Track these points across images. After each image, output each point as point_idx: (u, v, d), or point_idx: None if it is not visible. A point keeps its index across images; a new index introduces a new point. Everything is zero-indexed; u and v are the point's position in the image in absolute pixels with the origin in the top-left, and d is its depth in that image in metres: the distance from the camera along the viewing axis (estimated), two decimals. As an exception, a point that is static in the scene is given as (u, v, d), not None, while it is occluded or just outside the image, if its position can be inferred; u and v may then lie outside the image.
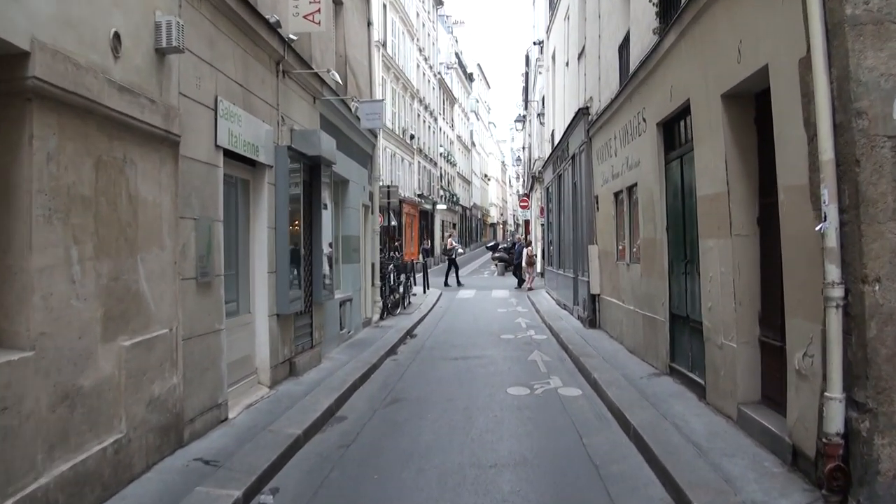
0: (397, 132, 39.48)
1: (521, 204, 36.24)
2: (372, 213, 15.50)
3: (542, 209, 30.08)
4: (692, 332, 7.91)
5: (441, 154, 55.88)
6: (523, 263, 27.89)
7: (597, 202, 13.39)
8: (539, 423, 7.38)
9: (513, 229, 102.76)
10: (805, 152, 4.86)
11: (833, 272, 4.50)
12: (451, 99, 61.61)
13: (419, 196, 46.01)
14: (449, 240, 31.70)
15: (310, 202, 10.45)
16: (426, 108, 49.36)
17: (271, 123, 8.77)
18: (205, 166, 6.86)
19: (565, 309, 17.17)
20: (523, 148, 59.58)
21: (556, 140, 19.58)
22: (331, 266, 11.06)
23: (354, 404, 8.43)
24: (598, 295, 13.42)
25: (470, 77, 74.89)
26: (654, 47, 8.42)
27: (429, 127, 51.03)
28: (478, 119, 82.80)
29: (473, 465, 5.96)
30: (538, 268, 31.23)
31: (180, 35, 6.00)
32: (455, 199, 61.82)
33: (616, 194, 11.74)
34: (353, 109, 12.32)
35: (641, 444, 6.25)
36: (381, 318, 16.09)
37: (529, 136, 43.72)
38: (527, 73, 45.13)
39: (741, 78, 5.98)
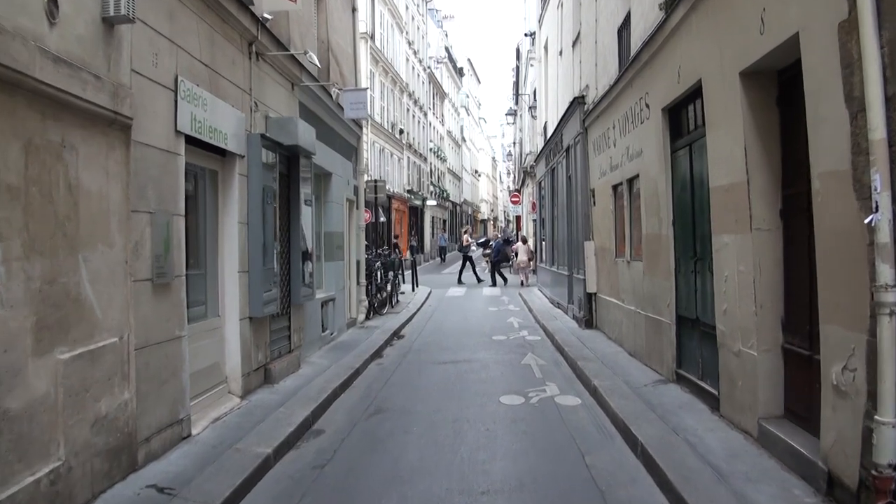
0: (386, 127, 38.72)
1: (513, 199, 35.57)
2: (357, 208, 14.78)
3: (533, 204, 29.43)
4: (703, 336, 7.23)
5: (431, 149, 55.12)
6: (517, 260, 27.17)
7: (593, 196, 12.71)
8: (536, 439, 6.68)
9: (503, 225, 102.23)
10: (846, 132, 4.18)
11: (886, 273, 3.82)
12: (440, 94, 60.84)
13: (409, 192, 45.26)
14: (465, 236, 31.01)
15: (287, 196, 9.74)
16: (415, 102, 48.60)
17: (243, 109, 8.04)
18: (163, 154, 6.13)
19: (559, 308, 16.50)
20: (514, 143, 58.98)
21: (549, 133, 18.91)
22: (311, 264, 10.34)
23: (333, 416, 7.73)
24: (595, 294, 12.75)
25: (460, 72, 74.13)
26: (659, 25, 7.73)
27: (418, 122, 50.27)
28: (468, 114, 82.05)
29: (463, 492, 5.25)
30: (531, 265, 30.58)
31: (131, 3, 5.27)
32: (445, 194, 61.10)
33: (615, 187, 11.06)
34: (334, 96, 11.56)
35: (651, 465, 5.56)
36: (368, 317, 15.39)
37: (520, 130, 43.07)
38: (517, 67, 44.47)
39: (764, 52, 5.29)
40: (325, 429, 7.21)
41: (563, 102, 15.65)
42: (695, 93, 7.11)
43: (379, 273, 17.30)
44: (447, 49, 65.74)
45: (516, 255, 28.92)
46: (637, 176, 9.50)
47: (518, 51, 43.06)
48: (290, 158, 9.72)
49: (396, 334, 13.91)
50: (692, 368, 7.61)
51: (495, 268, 26.13)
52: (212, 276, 7.75)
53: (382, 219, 36.90)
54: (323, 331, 11.72)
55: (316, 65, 10.86)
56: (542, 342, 12.58)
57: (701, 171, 7.10)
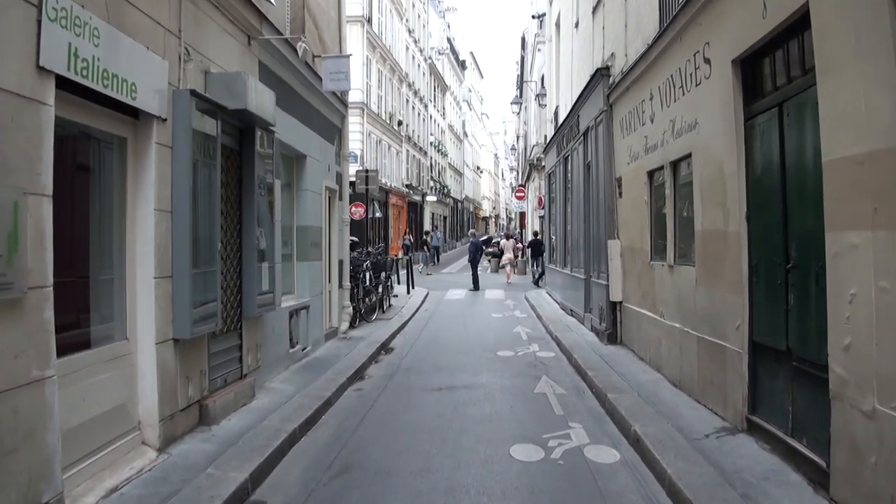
0: (384, 117, 36.62)
1: (517, 194, 33.38)
2: (340, 198, 12.67)
3: (540, 199, 27.34)
4: (799, 376, 5.13)
5: (431, 143, 53.03)
6: (503, 257, 25.53)
7: (619, 186, 10.60)
8: (566, 529, 4.59)
9: (505, 223, 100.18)
10: None
11: None
12: (442, 86, 58.72)
13: (407, 186, 43.17)
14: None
15: (238, 179, 7.65)
16: (416, 93, 46.49)
17: (166, 56, 5.94)
18: (12, 100, 4.04)
19: (573, 316, 14.39)
20: (518, 136, 56.88)
21: (562, 118, 16.79)
22: (273, 265, 8.25)
23: (284, 476, 5.64)
24: (621, 303, 10.65)
25: (462, 64, 71.99)
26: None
27: (418, 114, 48.17)
28: (470, 109, 79.89)
29: None
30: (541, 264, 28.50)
31: None
32: (446, 190, 58.99)
33: (652, 173, 8.95)
34: (300, 52, 9.40)
35: None
36: (353, 325, 13.29)
37: (525, 123, 41.00)
38: (522, 58, 42.40)
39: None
40: (269, 500, 5.13)
41: (581, 80, 13.53)
42: (791, 28, 5.02)
43: (368, 274, 15.21)
44: (449, 40, 63.60)
45: (502, 252, 27.41)
46: (687, 156, 7.39)
47: (523, 39, 41.01)
48: (242, 132, 7.63)
49: (384, 347, 11.81)
50: (776, 417, 5.51)
51: (475, 266, 24.10)
52: (115, 284, 5.66)
53: (378, 214, 34.78)
54: (292, 346, 9.63)
55: (284, 16, 8.69)
56: (556, 361, 10.47)
57: (801, 141, 5.00)
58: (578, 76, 14.30)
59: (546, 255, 22.66)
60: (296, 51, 9.16)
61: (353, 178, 19.00)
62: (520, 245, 30.67)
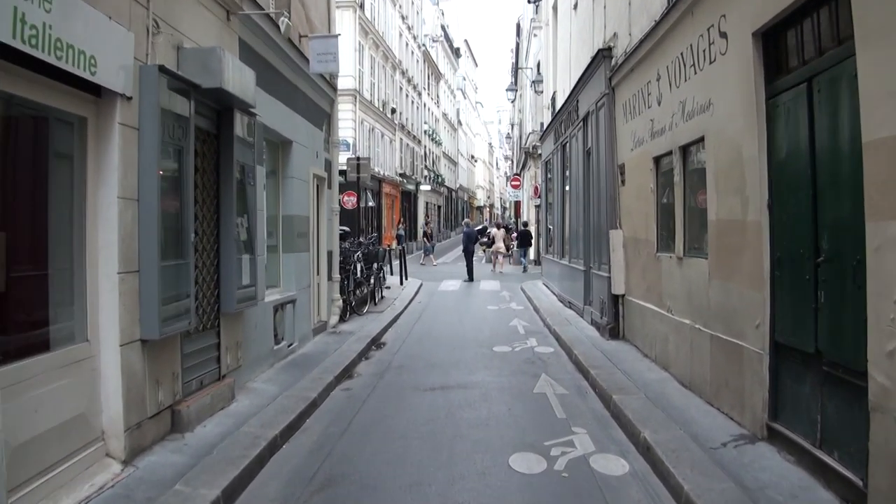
0: (377, 105, 35.96)
1: (513, 183, 32.84)
2: (329, 186, 12.12)
3: (536, 188, 26.86)
4: (830, 383, 4.62)
5: (426, 132, 52.37)
6: (493, 247, 25.09)
7: (622, 173, 10.07)
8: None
9: (500, 212, 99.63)
10: None
11: None
12: (436, 74, 57.99)
13: (401, 175, 42.55)
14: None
15: (216, 165, 7.09)
16: (409, 81, 45.79)
17: (132, 27, 5.38)
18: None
19: (572, 308, 13.89)
20: (513, 124, 56.24)
21: (560, 103, 16.24)
22: (254, 257, 7.72)
23: (260, 491, 5.13)
24: (623, 296, 10.14)
25: (457, 52, 71.21)
26: None
27: (412, 102, 47.49)
28: (465, 97, 79.17)
29: None
30: (532, 254, 28.04)
31: None
32: (440, 179, 58.39)
33: (658, 159, 8.43)
34: (281, 27, 8.81)
35: None
36: (343, 319, 12.77)
37: (520, 111, 40.41)
38: (518, 45, 41.77)
39: None
40: (242, 519, 4.63)
41: (580, 63, 12.98)
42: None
43: (359, 266, 14.68)
44: (443, 27, 62.80)
45: (492, 241, 27.50)
46: (700, 140, 6.87)
47: (518, 26, 40.36)
48: (220, 114, 7.07)
49: (375, 342, 11.30)
50: (801, 426, 5.01)
51: (469, 257, 23.51)
52: (75, 280, 5.12)
53: (371, 203, 34.28)
54: (277, 342, 9.10)
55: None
56: (556, 357, 9.96)
57: (835, 119, 4.49)
58: (577, 60, 13.75)
59: (543, 244, 22.14)
60: (278, 27, 8.58)
61: (345, 167, 18.45)
62: (514, 234, 30.28)
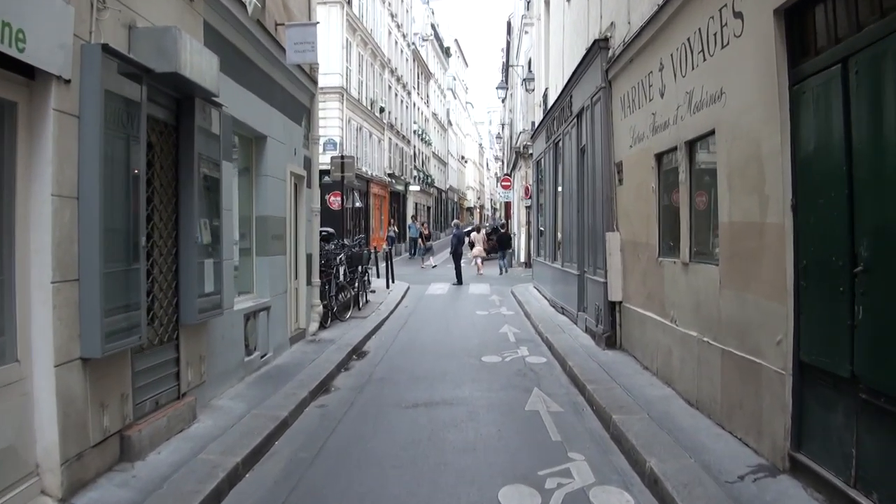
0: (364, 103, 35.28)
1: (503, 184, 32.18)
2: (309, 185, 11.43)
3: (526, 189, 26.25)
4: (870, 413, 3.97)
5: (415, 131, 51.72)
6: (475, 250, 24.49)
7: (619, 171, 9.44)
8: None
9: (490, 213, 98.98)
10: None
11: None
12: (426, 73, 57.34)
13: (390, 175, 41.87)
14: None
15: (175, 159, 6.40)
16: (398, 80, 45.12)
17: (73, 0, 4.70)
18: None
19: (565, 314, 13.24)
20: (503, 125, 55.63)
21: (552, 100, 15.60)
22: (220, 261, 7.03)
23: (211, 535, 4.45)
24: (620, 303, 9.50)
25: (447, 52, 70.59)
26: None
27: (401, 101, 46.82)
28: (455, 97, 78.55)
29: None
30: (522, 256, 27.45)
31: None
32: (430, 180, 57.75)
33: (660, 156, 7.80)
34: (256, 18, 8.14)
35: None
36: (324, 326, 12.09)
37: (511, 111, 39.85)
38: (508, 43, 41.22)
39: None
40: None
41: (574, 57, 12.34)
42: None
43: (342, 269, 14.01)
44: (433, 27, 62.18)
45: (472, 245, 27.43)
46: (710, 133, 6.23)
47: (509, 24, 39.78)
48: (180, 103, 6.39)
49: (357, 351, 10.63)
50: (831, 460, 4.36)
51: (457, 259, 22.92)
52: (2, 289, 4.43)
53: (358, 204, 33.59)
54: (248, 353, 8.42)
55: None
56: (549, 368, 9.31)
57: (877, 105, 3.86)
58: (571, 53, 13.12)
59: (534, 247, 21.50)
60: (245, 6, 7.88)
61: (329, 166, 17.76)
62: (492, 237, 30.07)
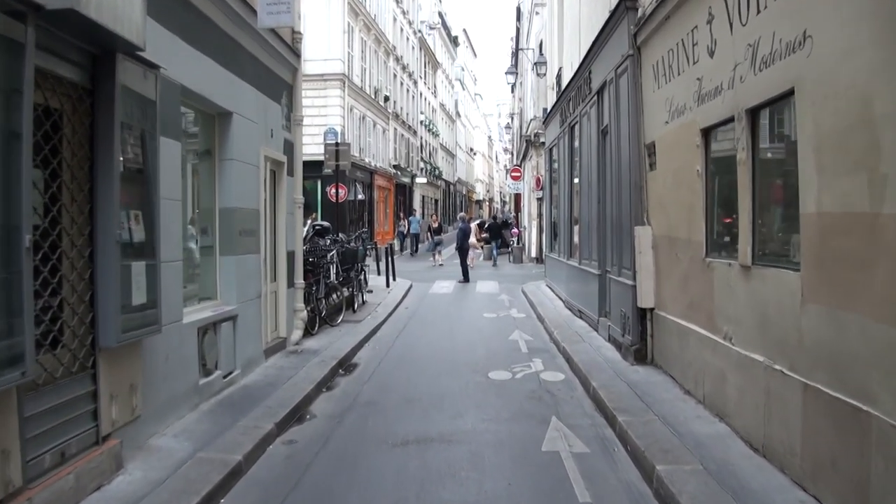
0: (367, 91, 33.78)
1: (513, 174, 30.64)
2: (291, 173, 9.97)
3: (538, 179, 24.73)
4: None
5: (422, 122, 50.18)
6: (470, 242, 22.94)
7: (651, 154, 7.95)
8: None
9: (499, 206, 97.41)
10: None
11: None
12: (433, 62, 55.74)
13: (395, 167, 40.39)
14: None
15: (90, 136, 4.96)
16: (404, 68, 43.60)
17: None
18: None
19: (583, 318, 11.76)
20: (512, 116, 54.04)
21: (566, 80, 14.09)
22: (156, 263, 5.58)
23: None
24: (653, 310, 8.02)
25: (455, 41, 68.92)
26: None
27: (407, 90, 45.29)
28: (463, 88, 76.85)
29: None
30: (533, 251, 25.97)
31: None
32: (437, 172, 56.23)
33: (708, 131, 6.30)
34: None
35: None
36: (310, 332, 10.66)
37: (520, 99, 38.32)
38: (518, 30, 39.63)
39: None
40: None
41: (593, 27, 10.83)
42: None
43: (333, 268, 12.56)
44: (441, 15, 60.53)
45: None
46: (785, 95, 4.72)
47: (518, 10, 38.22)
48: (98, 60, 4.94)
49: (344, 364, 9.18)
50: None
51: (463, 254, 21.49)
52: None
53: (361, 196, 32.17)
54: (206, 374, 6.98)
55: None
56: (568, 389, 7.83)
57: None
58: (589, 23, 11.59)
59: (546, 241, 19.99)
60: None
61: (324, 154, 16.32)
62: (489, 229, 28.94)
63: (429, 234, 30.75)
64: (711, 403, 6.16)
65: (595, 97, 10.61)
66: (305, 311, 10.33)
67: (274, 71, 9.28)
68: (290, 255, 9.92)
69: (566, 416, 6.65)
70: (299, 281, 10.15)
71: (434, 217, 32.56)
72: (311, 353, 9.36)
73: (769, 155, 5.32)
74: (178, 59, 6.22)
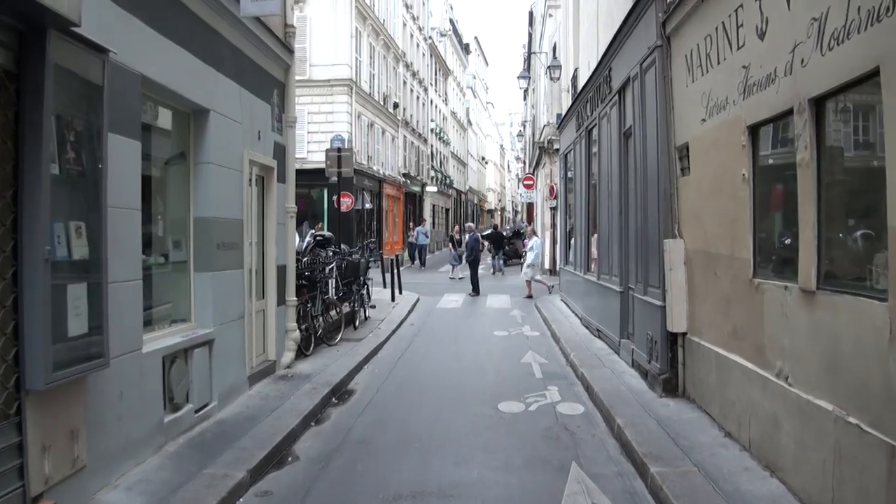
0: (376, 97, 32.96)
1: (525, 182, 29.64)
2: (282, 180, 9.09)
3: (551, 188, 23.77)
4: None
5: (432, 130, 49.31)
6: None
7: (684, 157, 7.02)
8: None
9: (511, 216, 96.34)
10: None
11: None
12: (444, 70, 54.92)
13: (405, 175, 39.53)
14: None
15: (14, 130, 4.10)
16: (414, 75, 42.78)
17: None
18: None
19: (601, 339, 10.80)
20: (524, 124, 53.14)
21: (584, 80, 13.17)
22: (102, 282, 4.69)
23: None
24: (685, 335, 7.07)
25: (466, 48, 68.14)
26: None
27: (417, 97, 44.46)
28: (475, 97, 75.98)
29: None
30: (546, 263, 24.97)
31: None
32: (448, 181, 55.32)
33: (757, 128, 5.36)
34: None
35: None
36: (304, 353, 9.77)
37: (533, 106, 37.37)
38: (530, 36, 38.75)
39: None
40: None
41: (613, 21, 9.91)
42: None
43: (332, 282, 11.67)
44: (452, 22, 59.74)
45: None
46: (865, 78, 3.77)
47: (531, 14, 37.30)
48: (23, 38, 4.08)
49: (338, 392, 8.27)
50: None
51: (475, 267, 20.17)
52: None
53: (369, 205, 31.34)
54: (174, 409, 6.09)
55: None
56: (589, 425, 6.86)
57: None
58: (608, 18, 10.68)
59: (560, 254, 19.02)
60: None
61: (325, 161, 15.45)
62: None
63: (451, 245, 29.25)
64: (760, 452, 5.19)
65: (616, 97, 9.68)
66: (298, 331, 9.43)
67: (262, 66, 8.41)
68: (281, 270, 9.03)
69: (588, 461, 5.70)
70: (291, 298, 9.25)
71: (457, 229, 30.76)
72: (303, 379, 8.46)
73: (841, 154, 4.37)
74: (138, 44, 5.37)
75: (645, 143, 8.12)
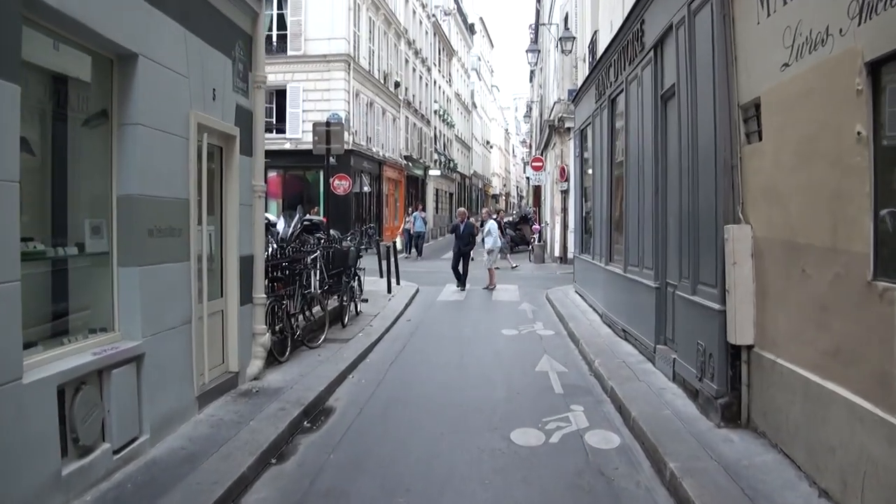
0: (376, 75, 31.29)
1: (534, 164, 27.94)
2: (248, 152, 7.50)
3: (562, 169, 22.18)
4: None
5: (436, 111, 47.60)
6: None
7: (753, 117, 5.41)
8: None
9: (516, 200, 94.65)
10: None
11: None
12: (448, 50, 53.09)
13: (407, 158, 37.89)
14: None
15: None
16: (417, 53, 41.03)
17: None
18: None
19: (629, 341, 9.22)
20: (530, 105, 51.39)
21: (605, 44, 11.51)
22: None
23: None
24: (751, 348, 5.49)
25: (471, 28, 66.19)
26: None
27: (420, 77, 42.71)
28: (480, 79, 74.05)
29: None
30: (556, 250, 23.42)
31: None
32: (452, 164, 53.63)
33: (879, 65, 3.76)
34: None
35: None
36: (278, 359, 8.23)
37: (541, 85, 35.67)
38: (538, 12, 37.01)
39: None
40: None
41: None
42: None
43: (315, 274, 10.11)
44: (457, 1, 57.76)
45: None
46: None
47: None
48: None
49: (311, 413, 6.71)
50: None
51: (466, 260, 17.06)
52: None
53: (367, 188, 29.74)
54: (81, 454, 4.54)
55: None
56: (630, 466, 5.29)
57: None
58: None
59: (573, 240, 17.38)
60: None
61: (313, 136, 13.84)
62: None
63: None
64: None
65: (650, 54, 8.05)
66: (269, 334, 7.88)
67: (219, 10, 6.80)
68: (247, 262, 7.47)
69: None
70: (259, 295, 7.69)
71: (496, 213, 28.17)
72: (271, 395, 6.92)
73: None
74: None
75: (695, 105, 6.49)
